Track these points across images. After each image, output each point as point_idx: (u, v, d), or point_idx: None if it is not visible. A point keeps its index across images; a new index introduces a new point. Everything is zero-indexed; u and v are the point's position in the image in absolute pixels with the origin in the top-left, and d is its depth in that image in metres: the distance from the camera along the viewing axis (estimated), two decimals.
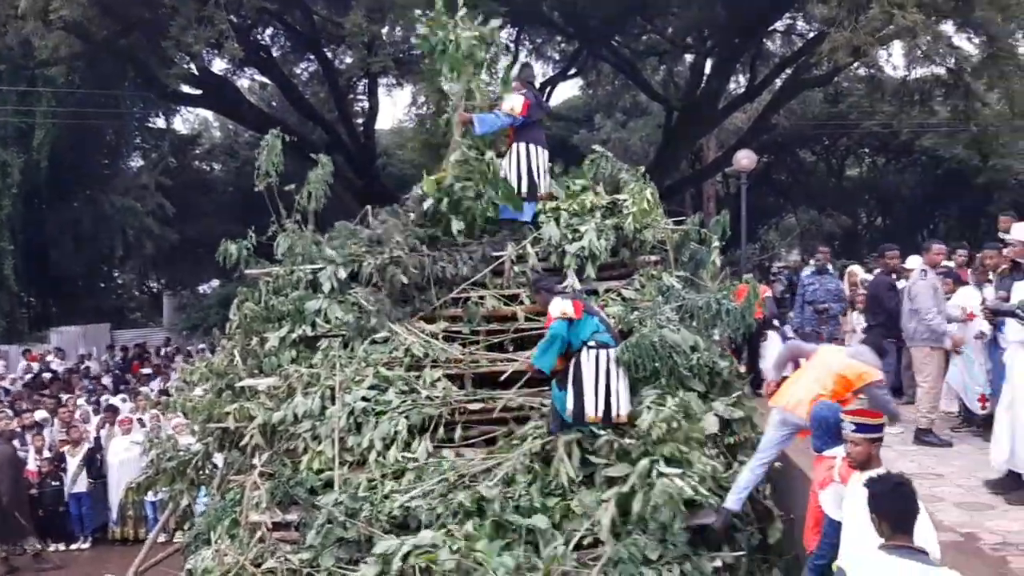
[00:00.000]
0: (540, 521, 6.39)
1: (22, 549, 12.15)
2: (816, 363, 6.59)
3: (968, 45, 18.71)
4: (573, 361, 6.79)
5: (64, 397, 16.34)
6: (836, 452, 5.33)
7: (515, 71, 9.53)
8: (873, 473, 4.62)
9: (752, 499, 6.73)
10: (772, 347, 11.68)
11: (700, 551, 6.40)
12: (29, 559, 12.02)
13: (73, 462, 12.70)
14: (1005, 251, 9.10)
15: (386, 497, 6.56)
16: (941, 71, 19.13)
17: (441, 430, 7.12)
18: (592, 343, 6.77)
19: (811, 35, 22.50)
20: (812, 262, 11.89)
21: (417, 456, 6.89)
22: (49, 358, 21.68)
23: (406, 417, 7.05)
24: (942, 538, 5.78)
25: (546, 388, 7.09)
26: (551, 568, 6.05)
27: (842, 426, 4.91)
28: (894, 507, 3.93)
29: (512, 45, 24.48)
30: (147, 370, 19.94)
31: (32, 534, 12.10)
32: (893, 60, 33.23)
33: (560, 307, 6.76)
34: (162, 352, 23.61)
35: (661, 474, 6.20)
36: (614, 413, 6.75)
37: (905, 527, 3.91)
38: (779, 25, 23.92)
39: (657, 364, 6.91)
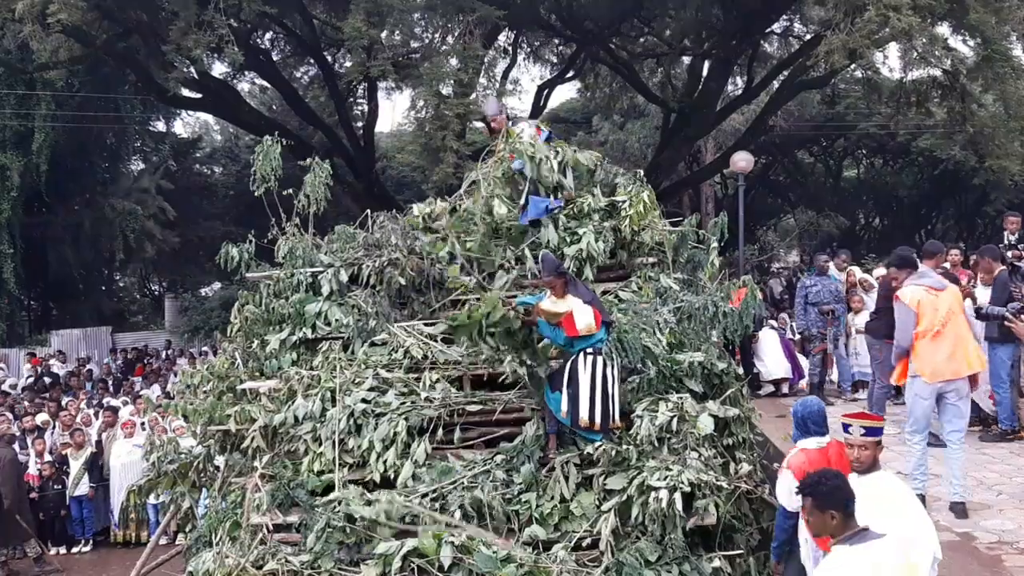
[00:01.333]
0: (539, 532, 6.46)
1: (23, 553, 12.19)
2: (945, 304, 6.64)
3: (963, 47, 18.81)
4: (569, 365, 6.84)
5: (64, 400, 16.37)
6: (805, 444, 5.46)
7: (489, 106, 9.69)
8: (873, 476, 4.67)
9: (750, 498, 6.78)
10: (767, 346, 11.77)
11: (699, 552, 6.45)
12: (30, 563, 12.06)
13: (75, 465, 12.73)
14: (1010, 253, 9.16)
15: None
16: (937, 73, 19.21)
17: (440, 432, 7.16)
18: (590, 350, 6.82)
19: (808, 37, 22.57)
20: (814, 267, 11.97)
21: (416, 458, 6.93)
22: (51, 361, 21.71)
23: (405, 419, 7.09)
24: (939, 537, 5.85)
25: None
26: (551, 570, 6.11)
27: (848, 430, 4.86)
28: (844, 499, 4.01)
29: (510, 48, 24.58)
30: (136, 377, 19.88)
31: (33, 537, 12.14)
32: (889, 62, 33.46)
33: (586, 321, 6.73)
34: (163, 355, 23.63)
35: (651, 488, 6.26)
36: (611, 417, 6.81)
37: (854, 511, 4.02)
38: (776, 27, 23.99)
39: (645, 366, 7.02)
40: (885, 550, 3.87)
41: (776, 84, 24.23)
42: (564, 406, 6.77)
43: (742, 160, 17.19)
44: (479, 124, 18.54)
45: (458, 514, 6.52)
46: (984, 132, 18.59)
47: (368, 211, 9.35)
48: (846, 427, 4.91)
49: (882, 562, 3.83)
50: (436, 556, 6.03)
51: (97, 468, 12.84)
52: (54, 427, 14.22)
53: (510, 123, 9.37)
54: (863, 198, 35.68)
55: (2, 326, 24.68)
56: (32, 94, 24.37)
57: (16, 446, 13.02)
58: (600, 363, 6.80)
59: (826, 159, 35.38)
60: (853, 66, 20.19)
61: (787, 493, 5.22)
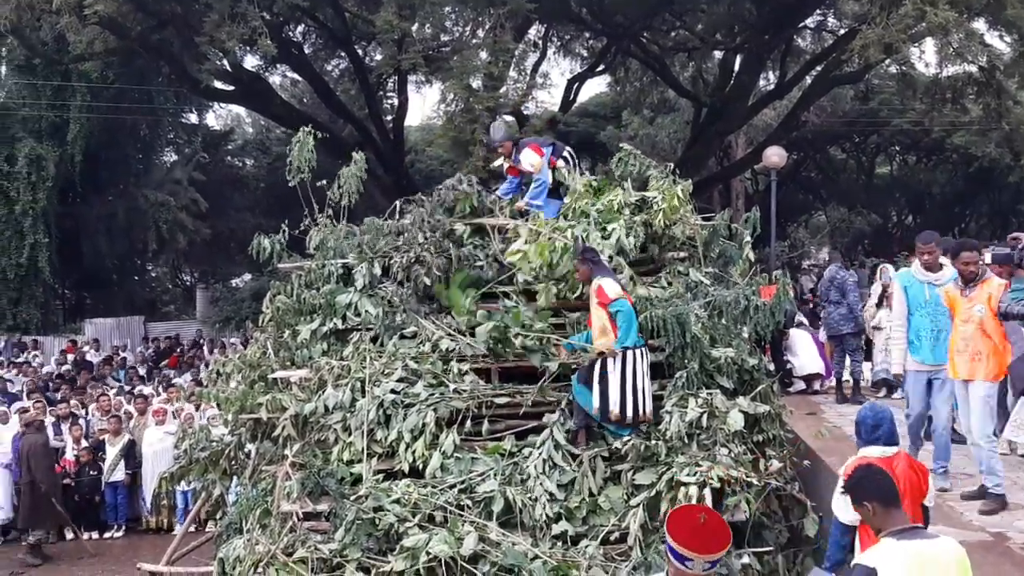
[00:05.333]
0: (568, 527, 6.47)
1: (57, 537, 12.41)
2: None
3: (1000, 43, 18.57)
4: (599, 359, 6.84)
5: (92, 390, 16.57)
6: (867, 452, 5.20)
7: (495, 132, 9.58)
8: None
9: (780, 495, 6.75)
10: (800, 342, 11.68)
11: (728, 548, 6.41)
12: (69, 547, 12.27)
13: (112, 451, 12.93)
14: None
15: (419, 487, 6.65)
16: (973, 69, 18.97)
17: (468, 423, 7.18)
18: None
19: (842, 32, 22.37)
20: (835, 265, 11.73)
21: (445, 449, 6.95)
22: (85, 349, 22.03)
23: (434, 410, 7.12)
24: (971, 537, 5.80)
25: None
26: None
27: (686, 564, 3.70)
28: (880, 486, 3.94)
29: (540, 42, 24.53)
30: (170, 370, 20.06)
31: (66, 522, 12.35)
32: (925, 57, 32.99)
33: (616, 289, 6.81)
34: (200, 342, 23.87)
35: (681, 483, 6.24)
36: (641, 413, 6.81)
37: (896, 501, 3.92)
38: (810, 22, 23.79)
39: (685, 350, 6.99)
40: (934, 549, 3.75)
41: (809, 79, 24.03)
42: (596, 402, 6.78)
43: (775, 155, 17.02)
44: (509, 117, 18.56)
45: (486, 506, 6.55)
46: (1020, 129, 18.38)
47: (396, 203, 9.32)
48: (680, 558, 3.68)
49: (929, 560, 3.70)
50: (457, 552, 6.06)
51: (133, 455, 13.02)
52: (87, 413, 14.45)
53: (515, 148, 9.28)
54: (896, 195, 35.29)
55: (37, 314, 25.06)
56: (68, 85, 24.70)
57: (51, 432, 13.26)
58: (631, 357, 6.80)
59: (859, 155, 35.02)
60: (888, 61, 19.98)
61: (844, 505, 4.69)
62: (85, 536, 12.75)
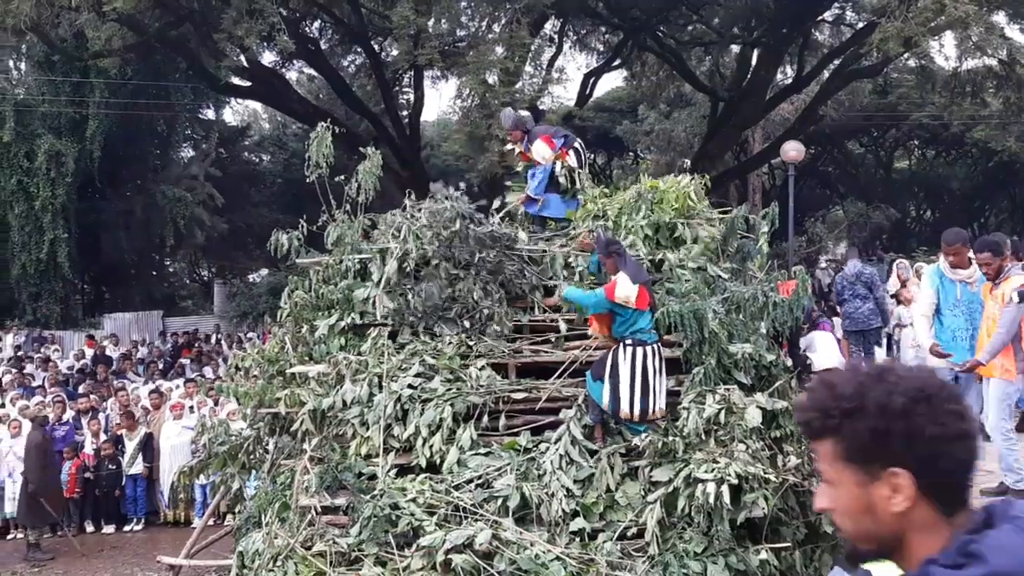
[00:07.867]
0: (584, 524, 6.48)
1: (61, 532, 12.49)
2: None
3: (1021, 36, 18.45)
4: (611, 355, 6.83)
5: (116, 384, 16.71)
6: None
7: (504, 119, 9.49)
8: None
9: (797, 491, 6.72)
10: (820, 340, 11.61)
11: (745, 544, 6.42)
12: (89, 540, 12.37)
13: (130, 445, 13.05)
14: None
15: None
16: (993, 62, 18.84)
17: (485, 419, 7.19)
18: (629, 340, 6.79)
19: (860, 25, 22.22)
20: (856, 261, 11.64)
21: (462, 444, 6.97)
22: (105, 343, 22.21)
23: (451, 405, 7.14)
24: None
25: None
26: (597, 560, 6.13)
27: None
28: None
29: (556, 37, 24.49)
30: (186, 360, 20.16)
31: (55, 521, 12.29)
32: (944, 51, 32.77)
33: (626, 292, 6.74)
34: (212, 339, 24.03)
35: (698, 480, 6.23)
36: (651, 410, 6.79)
37: None
38: (828, 15, 23.64)
39: (703, 346, 6.96)
40: None
41: (827, 73, 23.89)
42: (606, 397, 6.77)
43: (793, 150, 16.97)
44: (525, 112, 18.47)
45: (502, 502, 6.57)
46: None
47: (409, 193, 9.24)
48: None
49: None
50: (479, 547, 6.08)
51: (151, 448, 13.13)
52: (106, 408, 14.58)
53: (526, 138, 9.19)
54: (914, 190, 35.08)
55: (56, 309, 25.30)
56: (86, 82, 24.87)
57: (71, 426, 13.41)
58: (641, 354, 6.77)
59: (877, 150, 34.83)
60: (906, 55, 19.85)
61: None
62: (104, 530, 12.92)
